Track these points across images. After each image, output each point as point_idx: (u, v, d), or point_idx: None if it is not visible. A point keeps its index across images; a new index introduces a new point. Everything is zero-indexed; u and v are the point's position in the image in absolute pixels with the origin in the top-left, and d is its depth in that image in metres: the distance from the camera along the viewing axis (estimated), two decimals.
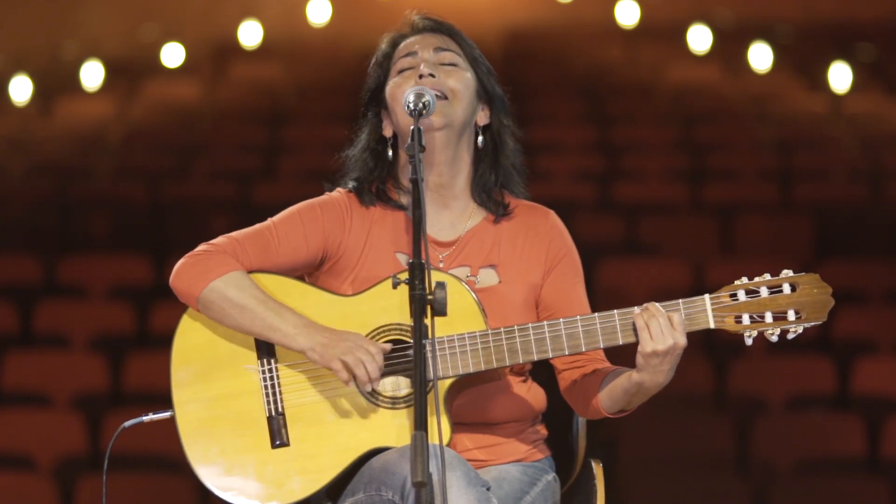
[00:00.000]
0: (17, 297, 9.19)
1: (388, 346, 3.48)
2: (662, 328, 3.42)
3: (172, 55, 14.73)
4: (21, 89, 13.69)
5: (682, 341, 3.44)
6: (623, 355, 3.58)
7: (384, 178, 3.72)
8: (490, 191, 3.71)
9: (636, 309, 3.47)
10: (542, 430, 3.74)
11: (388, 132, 3.72)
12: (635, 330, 3.46)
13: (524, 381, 3.70)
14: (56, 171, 11.53)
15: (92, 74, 14.13)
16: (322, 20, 15.67)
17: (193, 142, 12.15)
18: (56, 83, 14.02)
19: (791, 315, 3.48)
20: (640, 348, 3.44)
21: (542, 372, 3.80)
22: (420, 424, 3.07)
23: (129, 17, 15.33)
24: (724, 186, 10.96)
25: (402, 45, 3.72)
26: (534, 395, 3.70)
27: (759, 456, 7.86)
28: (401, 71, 3.68)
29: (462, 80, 3.66)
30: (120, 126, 12.83)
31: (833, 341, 8.78)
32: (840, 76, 13.65)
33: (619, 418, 3.62)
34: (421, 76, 3.62)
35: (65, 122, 13.11)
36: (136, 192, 10.99)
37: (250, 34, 15.24)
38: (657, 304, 3.46)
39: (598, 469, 3.75)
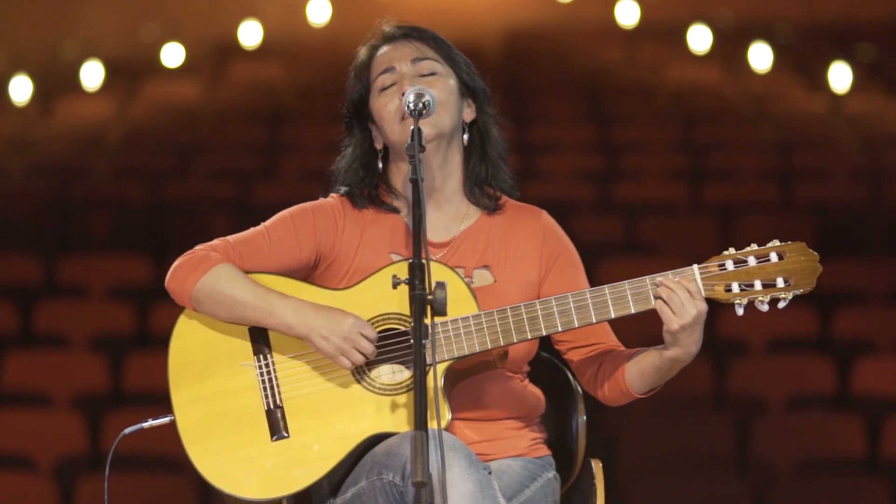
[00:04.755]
0: (17, 297, 9.18)
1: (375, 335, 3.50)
2: (683, 301, 3.43)
3: (172, 55, 14.74)
4: (21, 89, 13.69)
5: (704, 307, 3.45)
6: (636, 335, 3.58)
7: (376, 185, 3.73)
8: (481, 184, 3.73)
9: (625, 283, 3.47)
10: (542, 430, 3.75)
11: (378, 144, 3.73)
12: (629, 302, 3.46)
13: (521, 381, 3.71)
14: (56, 171, 11.53)
15: (92, 74, 14.13)
16: (322, 20, 15.68)
17: (193, 142, 12.16)
18: (56, 83, 14.02)
19: (780, 282, 3.48)
20: (665, 327, 3.44)
21: (540, 375, 3.81)
22: (420, 424, 3.07)
23: (129, 17, 15.33)
24: (724, 186, 10.97)
25: (377, 56, 3.72)
26: (532, 395, 3.71)
27: (759, 456, 7.86)
28: (382, 89, 3.68)
29: (445, 88, 3.67)
30: (120, 126, 12.83)
31: (833, 341, 8.78)
32: (840, 76, 13.65)
33: (622, 412, 3.62)
34: (404, 94, 3.61)
35: (65, 122, 13.12)
36: (136, 192, 10.99)
37: (250, 34, 15.25)
38: (668, 274, 3.46)
39: (597, 468, 3.75)
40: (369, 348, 3.48)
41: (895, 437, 7.89)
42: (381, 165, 3.73)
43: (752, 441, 7.93)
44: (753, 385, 8.33)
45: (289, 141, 12.10)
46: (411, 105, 3.53)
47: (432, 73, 3.68)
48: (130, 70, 14.32)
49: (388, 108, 3.65)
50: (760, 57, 14.20)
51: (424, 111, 3.54)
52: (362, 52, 3.76)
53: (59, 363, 8.50)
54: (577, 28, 15.38)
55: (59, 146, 12.25)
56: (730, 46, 14.53)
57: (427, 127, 3.59)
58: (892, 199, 10.73)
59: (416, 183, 3.36)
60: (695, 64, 14.42)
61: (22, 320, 9.07)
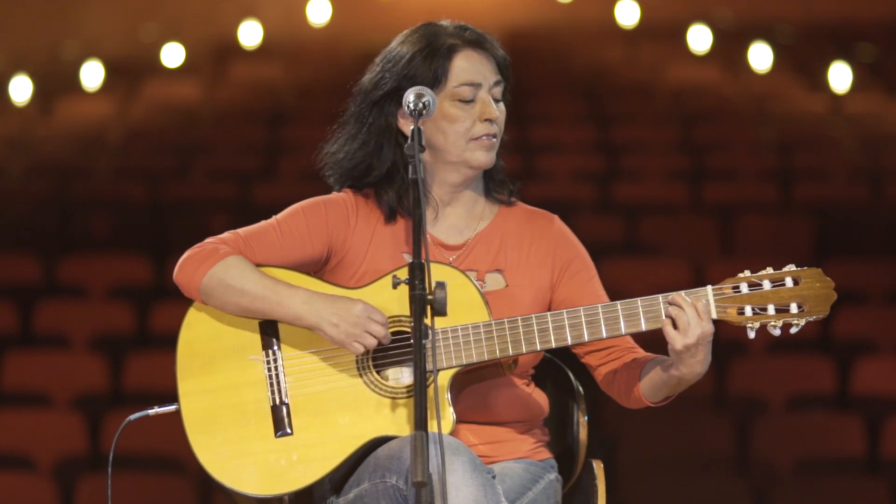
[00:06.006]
0: (17, 297, 9.18)
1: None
2: (690, 320, 3.42)
3: (172, 55, 14.74)
4: (21, 89, 13.69)
5: (710, 328, 3.44)
6: (641, 336, 3.58)
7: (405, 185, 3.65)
8: (492, 178, 3.73)
9: (638, 300, 3.49)
10: (546, 433, 3.75)
11: (406, 128, 3.63)
12: (641, 320, 3.47)
13: (527, 385, 3.70)
14: (56, 171, 11.54)
15: (92, 74, 14.14)
16: (322, 20, 15.67)
17: (193, 142, 12.16)
18: (56, 83, 14.02)
19: (794, 308, 3.48)
20: (670, 346, 3.44)
21: (541, 375, 3.81)
22: (420, 424, 3.07)
23: (129, 17, 15.34)
24: (724, 186, 10.97)
25: (462, 58, 3.65)
26: (536, 398, 3.71)
27: (759, 456, 7.86)
28: (462, 100, 3.62)
29: (504, 115, 3.68)
30: (120, 126, 12.83)
31: (833, 341, 8.78)
32: (840, 76, 13.65)
33: (628, 414, 3.63)
34: (489, 120, 3.61)
35: (65, 122, 13.12)
36: (136, 192, 10.99)
37: (250, 34, 15.25)
38: (682, 293, 3.47)
39: (598, 469, 3.75)
40: (381, 331, 3.45)
41: (895, 437, 7.89)
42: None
43: (752, 441, 7.93)
44: (753, 385, 8.33)
45: (289, 141, 12.10)
46: (411, 105, 3.50)
47: (502, 100, 3.69)
48: (130, 70, 14.33)
49: (464, 125, 3.61)
50: (760, 57, 14.20)
51: (424, 111, 3.52)
52: (443, 48, 3.64)
53: (59, 363, 8.50)
54: (577, 28, 15.38)
55: (59, 146, 12.25)
56: (730, 46, 14.53)
57: (487, 157, 3.60)
58: (892, 199, 10.73)
59: (415, 183, 3.35)
60: (695, 64, 14.42)
61: (22, 320, 9.07)
